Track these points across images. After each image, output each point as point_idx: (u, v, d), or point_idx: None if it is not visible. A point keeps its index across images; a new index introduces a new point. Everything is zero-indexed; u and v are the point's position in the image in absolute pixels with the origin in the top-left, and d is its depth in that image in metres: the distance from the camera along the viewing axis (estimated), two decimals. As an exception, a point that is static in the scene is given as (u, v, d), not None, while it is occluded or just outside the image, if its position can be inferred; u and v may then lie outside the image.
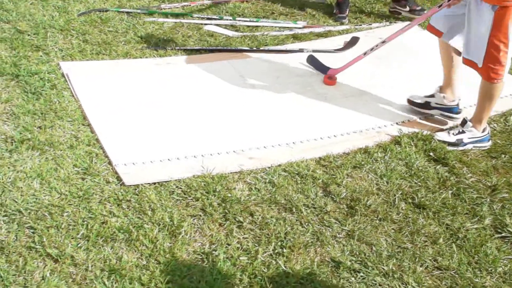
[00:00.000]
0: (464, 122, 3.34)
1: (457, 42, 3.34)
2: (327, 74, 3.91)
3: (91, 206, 2.64)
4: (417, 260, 2.53)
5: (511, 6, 2.99)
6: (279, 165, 3.04)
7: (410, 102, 3.65)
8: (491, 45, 3.08)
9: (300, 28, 4.72)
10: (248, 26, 4.70)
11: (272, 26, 4.74)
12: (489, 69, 3.14)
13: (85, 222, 2.54)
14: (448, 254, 2.58)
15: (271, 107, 3.58)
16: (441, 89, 3.55)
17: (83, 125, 3.25)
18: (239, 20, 4.77)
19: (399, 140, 3.31)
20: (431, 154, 3.20)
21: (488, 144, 3.34)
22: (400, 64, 4.21)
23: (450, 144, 3.28)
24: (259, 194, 2.83)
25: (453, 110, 3.54)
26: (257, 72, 3.97)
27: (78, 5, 4.80)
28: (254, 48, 4.28)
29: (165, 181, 2.85)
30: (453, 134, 3.32)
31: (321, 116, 3.53)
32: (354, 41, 4.47)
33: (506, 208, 2.88)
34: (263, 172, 2.99)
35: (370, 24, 4.86)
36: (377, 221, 2.73)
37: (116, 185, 2.80)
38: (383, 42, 3.70)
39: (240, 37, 4.49)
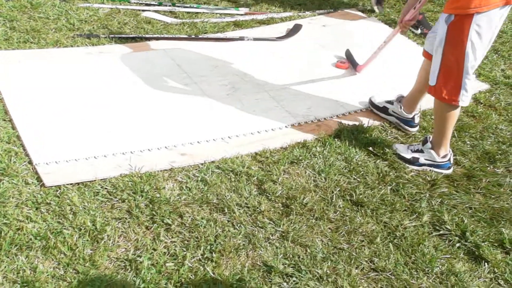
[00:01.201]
0: (425, 141, 3.07)
1: None
2: (356, 69, 3.84)
3: (6, 210, 2.44)
4: (352, 261, 2.43)
5: (470, 16, 2.64)
6: (213, 162, 2.89)
7: (370, 102, 3.47)
8: (445, 62, 2.78)
9: (241, 14, 4.56)
10: (188, 13, 4.53)
11: (213, 13, 4.57)
12: (442, 88, 2.84)
13: (-2, 228, 2.36)
14: (384, 254, 2.48)
15: (207, 99, 3.42)
16: (402, 100, 3.34)
17: (4, 120, 3.04)
18: (179, 6, 4.59)
19: (339, 133, 3.20)
20: (371, 148, 3.11)
21: (447, 172, 3.03)
22: (343, 53, 4.10)
23: (405, 160, 3.06)
24: (190, 194, 2.68)
25: (409, 123, 3.32)
26: (195, 61, 3.80)
27: (7, -11, 4.53)
28: (193, 36, 4.11)
29: (90, 181, 2.67)
30: (411, 150, 3.08)
31: (259, 109, 3.39)
32: (296, 28, 4.34)
33: (444, 204, 2.81)
34: (196, 169, 2.84)
35: (313, 11, 4.73)
36: (313, 221, 2.62)
37: (35, 186, 2.62)
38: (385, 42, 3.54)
39: (179, 24, 4.31)
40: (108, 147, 2.91)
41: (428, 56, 3.05)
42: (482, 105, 3.66)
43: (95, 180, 2.68)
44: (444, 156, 3.04)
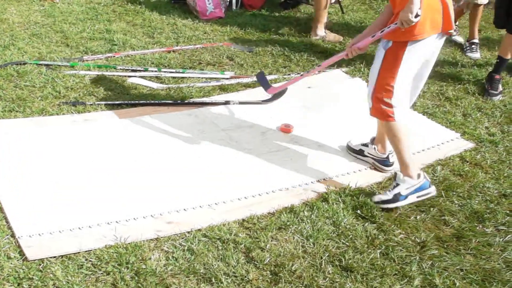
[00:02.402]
0: (395, 175, 3.20)
1: None
2: (268, 91, 3.90)
3: (-13, 287, 2.39)
4: (343, 331, 2.37)
5: (405, 43, 2.95)
6: (199, 230, 2.85)
7: (348, 147, 3.65)
8: (379, 83, 3.06)
9: (227, 78, 4.60)
10: (174, 78, 4.56)
11: (199, 77, 4.61)
12: (379, 107, 3.10)
13: (-22, 307, 2.29)
14: (376, 322, 2.43)
15: (193, 165, 3.41)
16: (374, 141, 3.52)
17: (-13, 192, 3.00)
18: (165, 71, 4.63)
19: (326, 196, 3.18)
20: (358, 211, 3.08)
21: (431, 190, 3.17)
22: (329, 115, 4.13)
23: (388, 201, 3.09)
24: (176, 264, 2.63)
25: (384, 162, 3.50)
26: (181, 126, 3.80)
27: (-6, 58, 4.57)
28: (179, 101, 4.13)
29: (74, 253, 2.62)
30: (388, 191, 3.14)
31: (245, 173, 3.37)
32: (282, 90, 4.37)
33: (435, 266, 2.77)
34: (182, 238, 2.80)
35: (299, 73, 4.79)
36: (303, 288, 2.58)
37: (18, 260, 2.56)
38: (319, 65, 3.57)
39: (165, 90, 4.34)
40: (93, 217, 2.87)
41: None
42: (468, 163, 3.67)
43: (79, 252, 2.63)
44: (418, 176, 3.14)
